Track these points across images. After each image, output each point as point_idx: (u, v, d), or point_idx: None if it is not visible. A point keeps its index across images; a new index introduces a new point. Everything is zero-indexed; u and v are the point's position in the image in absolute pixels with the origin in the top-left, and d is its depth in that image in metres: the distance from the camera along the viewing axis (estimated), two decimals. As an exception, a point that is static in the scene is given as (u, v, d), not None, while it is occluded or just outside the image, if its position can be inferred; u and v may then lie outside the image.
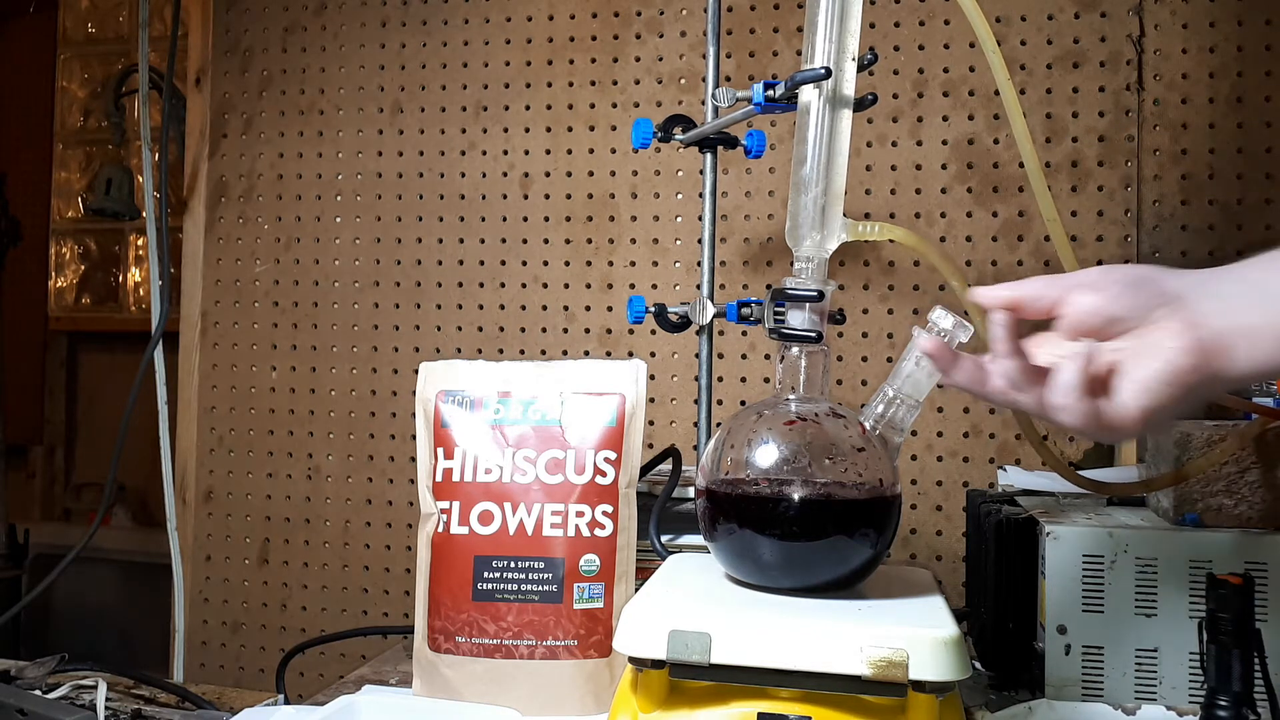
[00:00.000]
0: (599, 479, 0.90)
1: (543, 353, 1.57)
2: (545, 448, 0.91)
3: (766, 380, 1.49)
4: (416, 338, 1.63)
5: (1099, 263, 1.39)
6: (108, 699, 0.97)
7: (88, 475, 2.91)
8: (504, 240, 1.60)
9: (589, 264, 1.57)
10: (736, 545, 0.73)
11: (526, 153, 1.60)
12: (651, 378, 1.51)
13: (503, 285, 1.60)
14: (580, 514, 0.89)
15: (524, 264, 1.59)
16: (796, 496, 0.71)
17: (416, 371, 0.97)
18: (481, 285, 1.61)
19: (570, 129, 1.58)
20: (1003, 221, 1.43)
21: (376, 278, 1.65)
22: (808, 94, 0.80)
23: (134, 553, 2.58)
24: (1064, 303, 0.62)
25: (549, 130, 1.59)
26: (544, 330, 1.58)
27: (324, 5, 1.69)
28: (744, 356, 1.50)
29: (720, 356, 1.49)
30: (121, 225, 2.73)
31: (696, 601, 0.70)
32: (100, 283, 2.83)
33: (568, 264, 1.57)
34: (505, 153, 1.61)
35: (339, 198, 1.67)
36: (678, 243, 1.54)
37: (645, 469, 1.06)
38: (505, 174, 1.60)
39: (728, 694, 0.65)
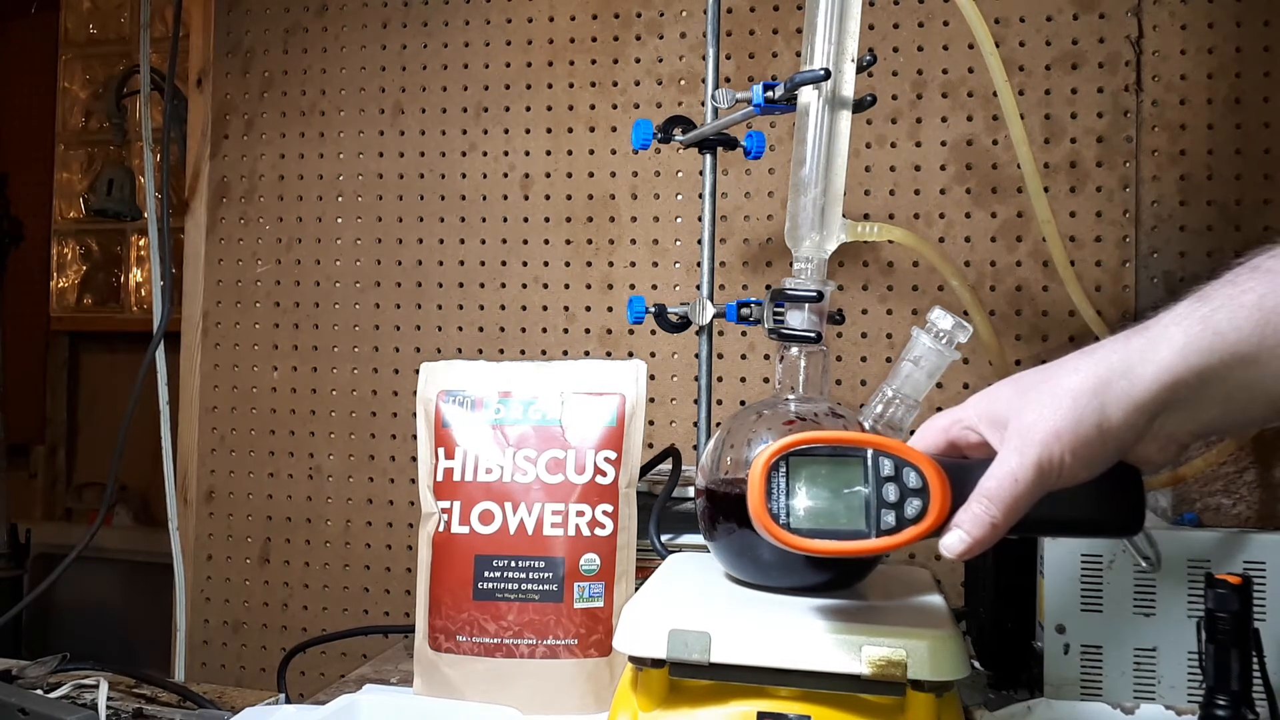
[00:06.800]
0: (599, 479, 0.90)
1: (543, 353, 1.57)
2: (545, 447, 0.91)
3: (766, 380, 1.49)
4: (417, 338, 1.63)
5: (1097, 264, 1.40)
6: (109, 698, 0.97)
7: (89, 475, 2.91)
8: (504, 240, 1.60)
9: (589, 264, 1.57)
10: (736, 545, 0.74)
11: (527, 153, 1.60)
12: (651, 378, 1.52)
13: (503, 285, 1.60)
14: (580, 513, 0.89)
15: (524, 264, 1.59)
16: (796, 496, 0.71)
17: (417, 371, 0.97)
18: (482, 285, 1.61)
19: (570, 130, 1.58)
20: (1001, 222, 1.43)
21: (377, 278, 1.65)
22: (807, 95, 0.80)
23: (135, 552, 2.58)
24: None
25: (549, 131, 1.59)
26: (544, 330, 1.58)
27: (325, 6, 1.69)
28: (744, 356, 1.50)
29: (720, 356, 1.49)
30: (123, 226, 2.73)
31: (696, 601, 0.71)
32: (102, 283, 2.83)
33: (568, 264, 1.58)
34: (505, 153, 1.61)
35: (340, 198, 1.67)
36: (678, 243, 1.54)
37: (645, 469, 1.06)
38: (505, 174, 1.61)
39: (727, 693, 0.65)
